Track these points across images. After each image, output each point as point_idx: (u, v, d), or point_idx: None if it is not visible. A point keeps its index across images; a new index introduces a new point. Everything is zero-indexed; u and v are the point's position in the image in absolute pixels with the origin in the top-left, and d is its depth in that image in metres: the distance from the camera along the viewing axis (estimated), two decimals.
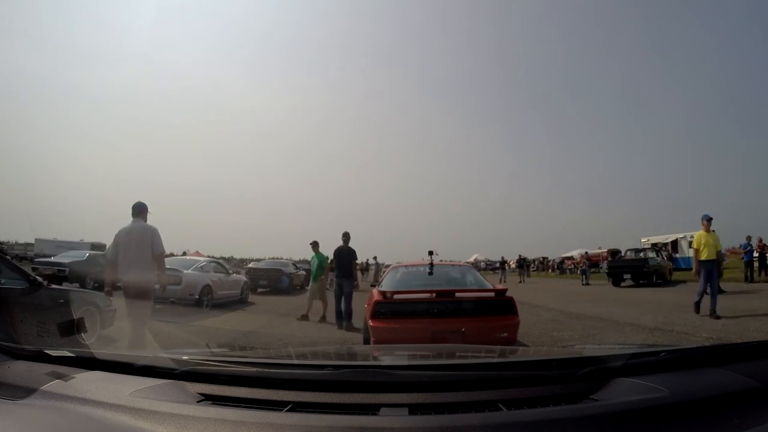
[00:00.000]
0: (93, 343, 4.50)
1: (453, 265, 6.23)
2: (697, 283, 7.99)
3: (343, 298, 7.58)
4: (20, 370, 1.10)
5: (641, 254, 18.85)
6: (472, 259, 42.91)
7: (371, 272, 23.67)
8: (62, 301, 4.68)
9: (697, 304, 7.67)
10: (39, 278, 4.70)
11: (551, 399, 0.93)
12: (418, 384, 0.99)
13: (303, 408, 0.90)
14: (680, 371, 1.05)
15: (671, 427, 0.82)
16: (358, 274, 9.18)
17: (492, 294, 4.29)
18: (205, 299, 9.35)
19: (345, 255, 7.99)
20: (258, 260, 22.71)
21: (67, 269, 12.75)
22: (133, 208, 4.60)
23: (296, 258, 8.96)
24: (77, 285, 11.58)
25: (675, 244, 24.98)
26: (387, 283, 4.93)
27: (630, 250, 20.60)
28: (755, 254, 14.87)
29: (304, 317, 8.14)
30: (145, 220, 4.63)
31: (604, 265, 21.04)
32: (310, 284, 8.62)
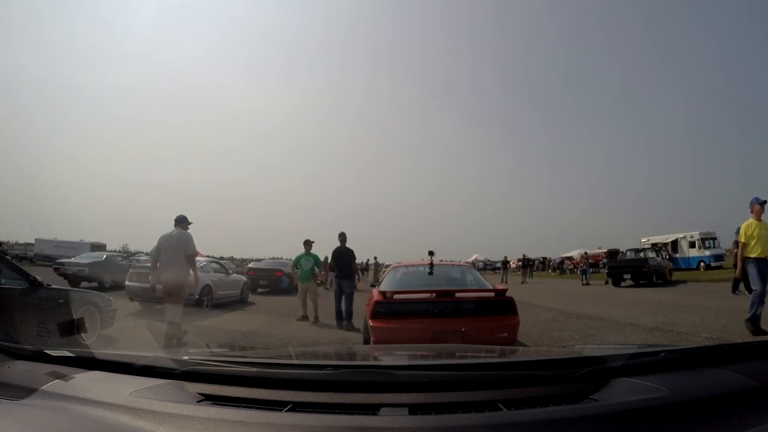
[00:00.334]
0: (93, 343, 4.50)
1: (453, 265, 6.23)
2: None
3: (343, 298, 7.57)
4: (20, 370, 1.10)
5: (641, 254, 18.87)
6: (472, 259, 42.89)
7: (371, 272, 23.68)
8: (62, 301, 4.68)
9: (757, 319, 5.46)
10: (38, 278, 4.70)
11: (551, 399, 0.93)
12: (418, 384, 0.99)
13: (303, 408, 0.90)
14: (680, 371, 1.05)
15: (671, 427, 0.82)
16: (359, 274, 9.14)
17: (492, 294, 4.29)
18: (205, 299, 9.34)
19: (344, 255, 7.99)
20: (258, 260, 22.71)
21: (86, 269, 13.47)
22: (175, 219, 5.55)
23: (296, 256, 9.01)
24: (96, 285, 12.41)
25: (675, 244, 25.01)
26: (387, 283, 4.92)
27: (630, 250, 20.61)
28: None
29: (304, 317, 8.14)
30: (185, 229, 5.49)
31: (604, 265, 20.94)
32: (300, 285, 8.52)
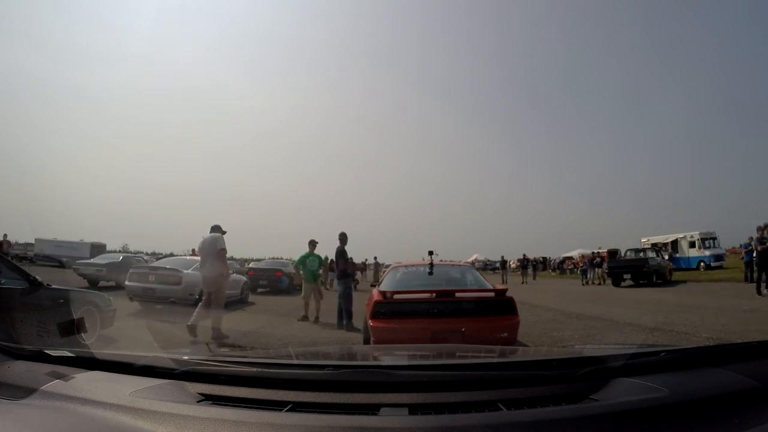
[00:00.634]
0: (93, 343, 4.50)
1: (453, 265, 6.23)
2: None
3: (344, 299, 7.58)
4: (20, 370, 1.10)
5: (641, 254, 18.87)
6: (472, 259, 42.87)
7: (371, 272, 23.68)
8: (62, 301, 4.68)
9: None
10: (39, 278, 4.70)
11: (551, 399, 0.93)
12: (418, 384, 0.99)
13: (303, 408, 0.90)
14: (680, 371, 1.05)
15: (671, 427, 0.82)
16: (358, 273, 9.14)
17: (492, 294, 4.29)
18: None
19: (342, 256, 8.00)
20: (258, 260, 22.70)
21: (104, 270, 13.91)
22: (211, 228, 6.62)
23: (297, 258, 8.96)
24: (113, 284, 12.86)
25: (675, 244, 25.00)
26: (387, 283, 4.92)
27: (630, 250, 20.60)
28: (755, 254, 14.85)
29: (305, 318, 8.14)
30: (221, 234, 6.49)
31: (604, 264, 20.78)
32: (304, 285, 8.51)
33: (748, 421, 0.82)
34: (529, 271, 25.88)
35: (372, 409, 0.89)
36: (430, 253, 5.26)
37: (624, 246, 22.73)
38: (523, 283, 22.21)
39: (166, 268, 9.54)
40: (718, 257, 23.06)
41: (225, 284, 6.48)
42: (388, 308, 4.02)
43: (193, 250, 14.09)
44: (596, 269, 20.98)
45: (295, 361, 1.42)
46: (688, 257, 24.02)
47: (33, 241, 29.00)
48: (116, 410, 0.88)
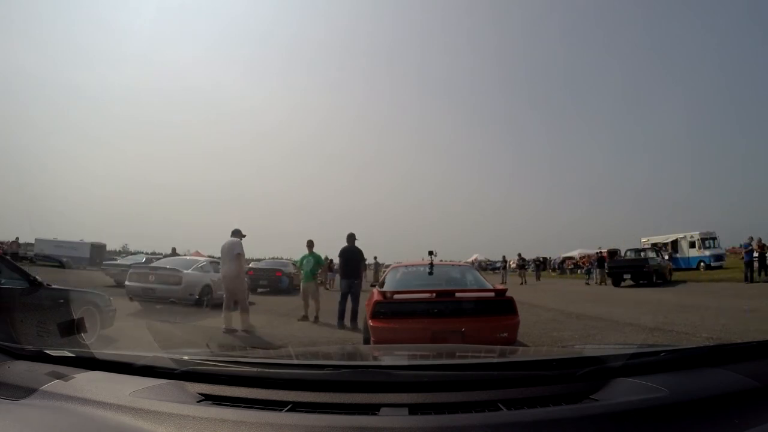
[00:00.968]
0: (93, 343, 4.50)
1: (453, 265, 6.23)
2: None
3: (351, 298, 7.58)
4: (20, 370, 1.10)
5: (641, 254, 18.86)
6: (471, 259, 42.86)
7: (371, 272, 23.65)
8: (62, 301, 4.68)
9: None
10: (39, 278, 4.70)
11: (551, 399, 0.93)
12: (418, 384, 0.99)
13: (303, 408, 0.90)
14: (680, 371, 1.05)
15: (671, 427, 0.82)
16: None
17: (492, 294, 4.29)
18: (205, 299, 9.33)
19: (355, 255, 7.99)
20: (258, 260, 22.69)
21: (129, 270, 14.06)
22: (232, 232, 7.17)
23: (296, 258, 8.94)
24: None
25: (675, 244, 25.00)
26: (387, 283, 4.92)
27: (630, 250, 20.60)
28: (755, 254, 14.88)
29: (305, 318, 8.14)
30: (240, 239, 7.09)
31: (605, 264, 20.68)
32: (302, 285, 8.51)
33: (748, 421, 0.82)
34: (531, 270, 25.67)
35: (372, 409, 0.89)
36: (430, 253, 5.26)
37: (624, 246, 22.77)
38: (522, 283, 22.07)
39: (166, 268, 9.54)
40: (718, 257, 23.05)
41: (243, 284, 7.11)
42: (388, 308, 4.02)
43: (185, 251, 14.21)
44: (597, 269, 20.91)
45: (295, 361, 1.42)
46: (688, 257, 24.01)
47: (33, 241, 29.03)
48: (116, 410, 0.88)
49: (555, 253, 41.33)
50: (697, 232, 23.91)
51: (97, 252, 32.73)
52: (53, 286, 4.86)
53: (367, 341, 4.31)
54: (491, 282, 5.01)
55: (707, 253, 23.21)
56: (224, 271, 6.96)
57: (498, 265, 33.40)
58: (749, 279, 14.63)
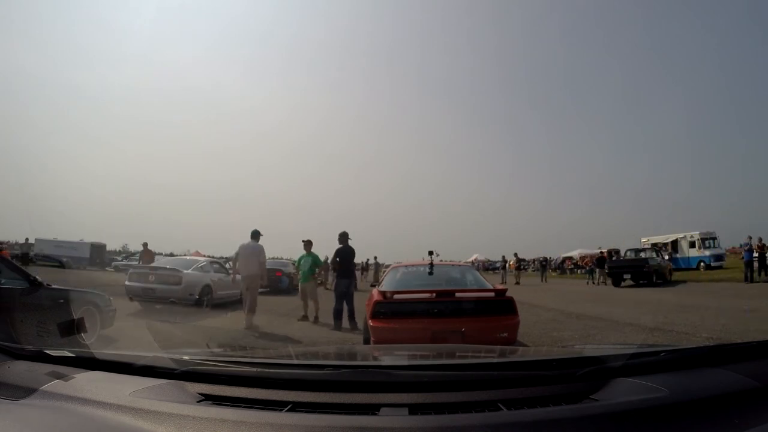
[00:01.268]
0: (93, 343, 4.50)
1: (453, 265, 6.23)
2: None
3: (345, 298, 7.57)
4: (20, 370, 1.10)
5: (641, 254, 18.85)
6: (471, 259, 42.87)
7: (371, 272, 23.61)
8: (62, 301, 4.68)
9: None
10: (39, 278, 4.70)
11: (551, 399, 0.93)
12: (418, 384, 0.99)
13: (303, 408, 0.90)
14: (680, 371, 1.05)
15: (671, 427, 0.82)
16: (357, 273, 9.14)
17: (492, 294, 4.29)
18: (205, 299, 9.33)
19: (349, 255, 7.99)
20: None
21: None
22: (251, 233, 7.57)
23: (296, 258, 8.89)
24: None
25: (675, 244, 24.99)
26: (387, 283, 4.92)
27: (630, 250, 20.59)
28: (755, 254, 14.88)
29: (305, 317, 8.14)
30: (258, 241, 7.55)
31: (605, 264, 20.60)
32: (300, 285, 8.51)
33: (748, 421, 0.82)
34: (531, 270, 25.39)
35: (372, 409, 0.89)
36: (430, 253, 5.26)
37: (624, 246, 22.75)
38: (516, 283, 21.66)
39: (166, 268, 9.54)
40: (718, 257, 23.05)
41: (258, 284, 7.59)
42: (388, 308, 4.02)
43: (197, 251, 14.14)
44: (597, 269, 20.88)
45: (295, 361, 1.42)
46: (688, 257, 24.01)
47: (33, 241, 29.02)
48: (116, 410, 0.88)
49: (555, 253, 41.35)
50: (697, 232, 23.90)
51: (97, 252, 32.70)
52: (53, 286, 4.86)
53: (367, 341, 4.31)
54: (491, 282, 5.01)
55: (707, 253, 23.21)
56: (245, 269, 7.45)
57: (498, 265, 33.38)
58: (749, 279, 14.63)
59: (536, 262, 43.15)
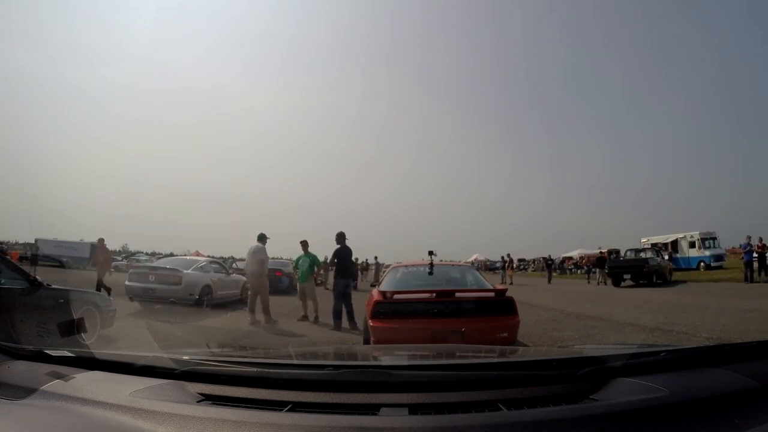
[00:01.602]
0: (93, 343, 4.50)
1: (453, 265, 6.23)
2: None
3: (344, 298, 7.57)
4: (20, 370, 1.10)
5: (641, 254, 18.84)
6: (472, 259, 42.86)
7: (371, 272, 23.59)
8: (62, 301, 4.68)
9: None
10: (39, 278, 4.70)
11: (551, 399, 0.93)
12: (418, 384, 0.99)
13: (303, 408, 0.90)
14: (680, 371, 1.05)
15: (671, 427, 0.82)
16: (358, 273, 9.18)
17: (492, 294, 4.29)
18: (205, 299, 9.33)
19: (347, 255, 7.97)
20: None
21: None
22: (258, 236, 8.12)
23: (296, 258, 8.89)
24: None
25: (675, 244, 24.99)
26: (387, 283, 4.92)
27: (630, 250, 20.58)
28: (755, 254, 14.87)
29: (304, 317, 8.14)
30: (264, 244, 8.08)
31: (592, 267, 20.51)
32: (299, 285, 8.53)
33: (748, 421, 0.82)
34: (531, 270, 25.27)
35: (372, 409, 0.89)
36: (430, 253, 5.26)
37: (624, 246, 22.74)
38: (510, 283, 21.21)
39: (166, 268, 9.54)
40: (718, 257, 23.04)
41: (265, 282, 8.03)
42: (388, 308, 4.02)
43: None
44: (597, 269, 20.86)
45: (295, 361, 1.42)
46: (688, 257, 24.00)
47: (33, 241, 29.02)
48: (116, 410, 0.88)
49: (555, 253, 41.36)
50: (697, 232, 23.90)
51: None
52: (53, 286, 4.86)
53: (367, 341, 4.31)
54: (491, 282, 5.01)
55: (707, 253, 23.20)
56: (249, 269, 8.10)
57: (498, 265, 33.36)
58: (749, 279, 14.63)
59: (536, 262, 43.27)
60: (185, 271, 9.28)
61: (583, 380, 1.00)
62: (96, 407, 0.90)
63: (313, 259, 8.51)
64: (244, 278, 12.29)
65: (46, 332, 3.74)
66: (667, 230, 26.61)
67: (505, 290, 4.33)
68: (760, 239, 14.76)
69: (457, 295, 4.19)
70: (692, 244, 24.09)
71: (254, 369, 1.12)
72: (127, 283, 9.21)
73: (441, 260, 5.85)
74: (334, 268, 8.06)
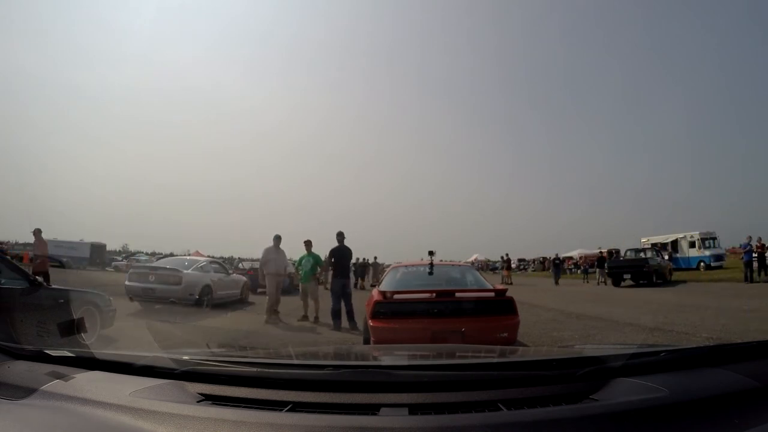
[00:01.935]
0: (93, 343, 4.50)
1: (453, 265, 6.23)
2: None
3: (344, 299, 7.57)
4: (20, 370, 1.10)
5: (641, 254, 18.84)
6: (472, 259, 42.84)
7: (371, 272, 23.53)
8: (62, 301, 4.68)
9: None
10: (39, 278, 4.70)
11: (551, 399, 0.93)
12: (418, 384, 0.99)
13: (303, 408, 0.90)
14: (680, 371, 1.05)
15: (671, 427, 0.82)
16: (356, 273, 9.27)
17: (492, 294, 4.29)
18: (205, 299, 9.33)
19: (346, 254, 7.97)
20: (258, 260, 22.58)
21: None
22: (274, 237, 8.59)
23: (296, 258, 8.94)
24: None
25: (675, 244, 24.99)
26: (387, 283, 4.92)
27: (630, 250, 20.59)
28: (754, 254, 14.87)
29: (305, 317, 8.14)
30: (279, 244, 8.57)
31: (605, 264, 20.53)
32: (301, 285, 8.56)
33: (748, 421, 0.82)
34: (531, 270, 25.27)
35: (372, 409, 0.89)
36: (430, 253, 5.26)
37: (624, 246, 22.72)
38: (508, 283, 21.11)
39: (166, 268, 9.54)
40: (718, 257, 23.05)
41: (281, 283, 8.60)
42: (388, 308, 4.02)
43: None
44: (598, 269, 20.85)
45: (295, 361, 1.42)
46: (688, 257, 24.00)
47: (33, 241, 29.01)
48: (116, 410, 0.88)
49: (555, 253, 41.32)
50: (697, 232, 23.90)
51: (97, 252, 32.70)
52: (53, 286, 4.86)
53: (367, 341, 4.31)
54: (491, 282, 5.01)
55: (707, 253, 23.20)
56: (268, 269, 8.37)
57: (497, 265, 33.38)
58: (749, 279, 14.63)
59: (536, 262, 43.27)
60: (185, 271, 9.28)
61: (583, 380, 1.00)
62: (96, 407, 0.89)
63: (316, 259, 8.52)
64: (244, 278, 12.32)
65: (46, 332, 3.74)
66: (667, 230, 26.66)
67: (505, 290, 4.33)
68: (759, 239, 14.77)
69: (457, 295, 4.18)
70: (692, 244, 24.09)
71: (254, 369, 1.12)
72: (127, 283, 9.21)
73: (441, 260, 5.85)
74: (332, 268, 8.09)
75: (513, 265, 30.81)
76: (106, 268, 27.93)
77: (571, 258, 36.59)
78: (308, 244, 8.56)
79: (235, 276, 11.83)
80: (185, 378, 1.06)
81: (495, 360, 1.51)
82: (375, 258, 23.84)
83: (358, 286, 17.22)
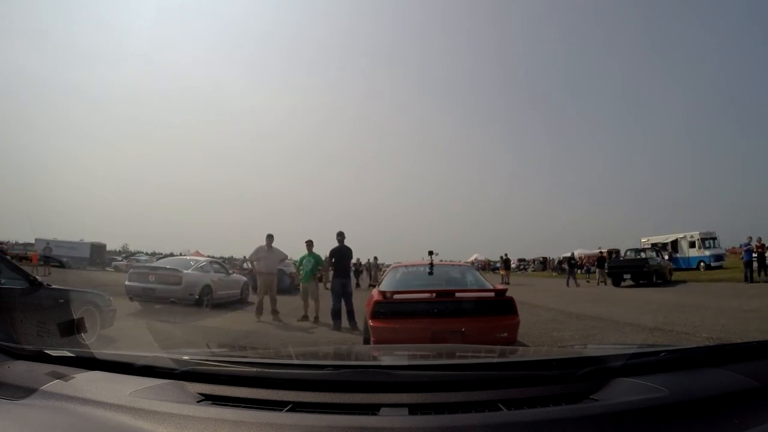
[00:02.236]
0: (93, 343, 4.50)
1: (453, 265, 6.22)
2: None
3: (344, 298, 7.57)
4: (20, 370, 1.10)
5: (641, 254, 18.84)
6: (472, 259, 42.84)
7: (371, 272, 23.52)
8: (62, 301, 4.68)
9: None
10: (39, 278, 4.70)
11: (551, 399, 0.93)
12: (418, 384, 0.99)
13: (303, 408, 0.90)
14: (680, 371, 1.05)
15: (671, 427, 0.82)
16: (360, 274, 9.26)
17: (492, 294, 4.28)
18: (205, 299, 9.33)
19: (346, 254, 7.98)
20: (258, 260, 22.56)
21: None
22: (266, 236, 8.57)
23: (297, 258, 8.93)
24: None
25: (675, 244, 24.99)
26: (387, 283, 4.92)
27: (630, 250, 20.58)
28: (754, 254, 14.87)
29: (305, 317, 8.14)
30: (272, 243, 8.53)
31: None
32: (302, 284, 8.56)
33: (748, 421, 0.82)
34: (531, 270, 25.21)
35: (372, 409, 0.89)
36: (430, 253, 5.26)
37: (624, 246, 22.74)
38: (505, 282, 20.83)
39: (166, 268, 9.54)
40: (718, 257, 23.04)
41: (273, 282, 8.51)
42: (388, 308, 4.01)
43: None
44: (597, 269, 20.84)
45: (295, 361, 1.42)
46: (688, 257, 23.99)
47: (33, 241, 29.05)
48: (116, 410, 0.88)
49: (555, 253, 41.33)
50: (697, 232, 23.90)
51: (97, 252, 32.70)
52: (53, 286, 4.86)
53: (367, 341, 4.31)
54: (491, 282, 5.01)
55: (707, 253, 23.20)
56: (263, 268, 8.39)
57: (497, 265, 33.33)
58: (749, 279, 14.63)
59: (536, 262, 43.25)
60: (185, 271, 9.28)
61: (583, 380, 1.00)
62: (96, 407, 0.90)
63: (317, 259, 8.52)
64: (244, 278, 12.33)
65: (46, 332, 3.74)
66: (667, 230, 26.65)
67: (505, 290, 4.33)
68: (759, 239, 14.77)
69: (457, 295, 4.18)
70: (692, 244, 24.09)
71: (254, 369, 1.12)
72: (127, 283, 9.21)
73: (441, 260, 5.85)
74: (332, 268, 8.08)
75: (513, 265, 30.80)
76: (106, 268, 27.93)
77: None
78: (309, 244, 8.56)
79: (235, 276, 11.83)
80: (185, 378, 1.06)
81: (495, 360, 1.51)
82: (375, 258, 23.85)
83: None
